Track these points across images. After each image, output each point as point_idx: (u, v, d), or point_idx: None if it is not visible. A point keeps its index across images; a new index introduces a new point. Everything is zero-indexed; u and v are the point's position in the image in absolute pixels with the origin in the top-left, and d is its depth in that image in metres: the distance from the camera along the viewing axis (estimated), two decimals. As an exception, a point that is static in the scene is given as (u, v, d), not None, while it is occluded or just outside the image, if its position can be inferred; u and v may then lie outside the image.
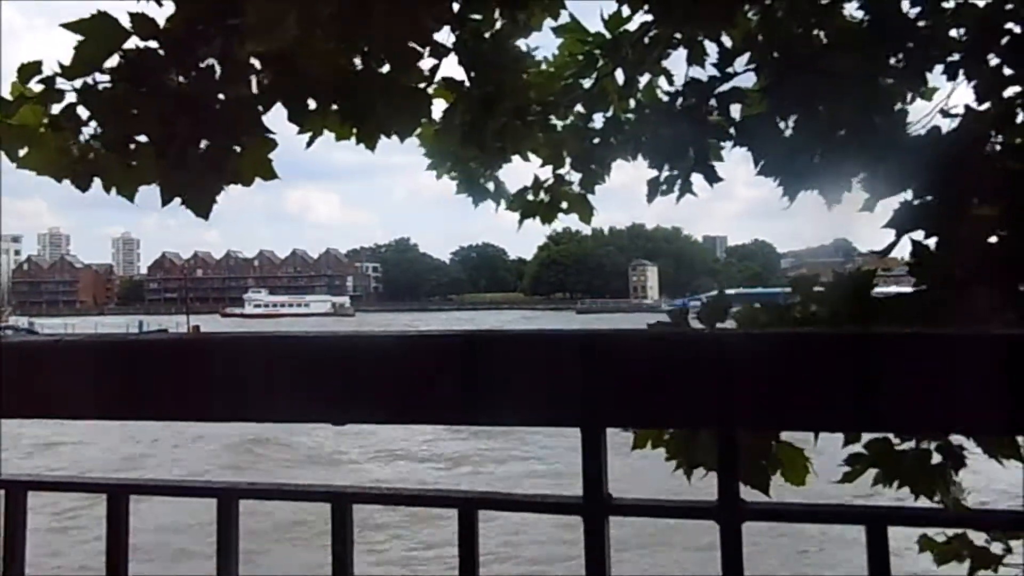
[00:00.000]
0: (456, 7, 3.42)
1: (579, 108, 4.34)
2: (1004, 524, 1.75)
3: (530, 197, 4.56)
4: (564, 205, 4.57)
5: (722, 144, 3.67)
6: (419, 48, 3.14)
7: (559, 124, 4.32)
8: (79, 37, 2.83)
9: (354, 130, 3.33)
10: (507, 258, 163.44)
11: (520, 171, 4.57)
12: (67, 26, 2.84)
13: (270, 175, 3.16)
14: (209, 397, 1.06)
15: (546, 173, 4.54)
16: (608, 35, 4.09)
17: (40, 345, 1.15)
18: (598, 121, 4.36)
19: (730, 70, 3.45)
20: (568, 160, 4.45)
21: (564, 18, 4.08)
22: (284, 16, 2.69)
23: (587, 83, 4.24)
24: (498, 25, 3.62)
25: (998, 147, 2.76)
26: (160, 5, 3.04)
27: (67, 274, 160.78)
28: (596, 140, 4.34)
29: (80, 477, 1.17)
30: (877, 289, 2.57)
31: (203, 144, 3.07)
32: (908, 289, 2.67)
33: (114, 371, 1.10)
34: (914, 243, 2.57)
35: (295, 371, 1.02)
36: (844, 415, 0.89)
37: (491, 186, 4.49)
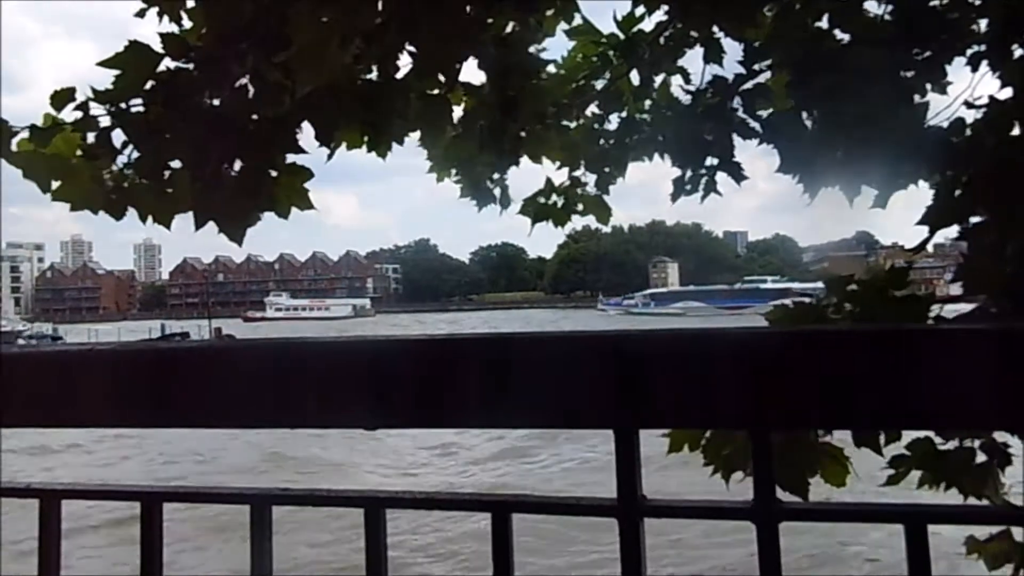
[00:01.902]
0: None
1: (593, 109, 4.31)
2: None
3: (542, 200, 4.53)
4: (580, 207, 4.54)
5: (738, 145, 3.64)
6: (461, 55, 3.11)
7: (572, 126, 4.30)
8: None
9: (365, 139, 3.33)
10: (527, 257, 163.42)
11: (528, 173, 4.53)
12: (104, 63, 2.85)
13: (306, 205, 3.15)
14: (239, 403, 1.06)
15: (559, 176, 4.50)
16: (622, 36, 4.06)
17: (73, 354, 1.16)
18: (613, 122, 4.33)
19: (756, 67, 3.43)
20: (583, 162, 4.41)
21: (576, 20, 4.06)
22: (329, 39, 2.63)
23: (599, 84, 4.22)
24: (508, 29, 3.60)
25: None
26: (179, 25, 3.04)
27: (89, 281, 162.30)
28: (611, 141, 4.31)
29: (114, 485, 1.18)
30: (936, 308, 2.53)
31: (237, 166, 3.05)
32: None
33: (144, 378, 1.10)
34: (965, 256, 2.53)
35: (325, 376, 1.02)
36: (879, 412, 0.87)
37: (496, 190, 4.42)
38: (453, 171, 4.27)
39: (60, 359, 1.18)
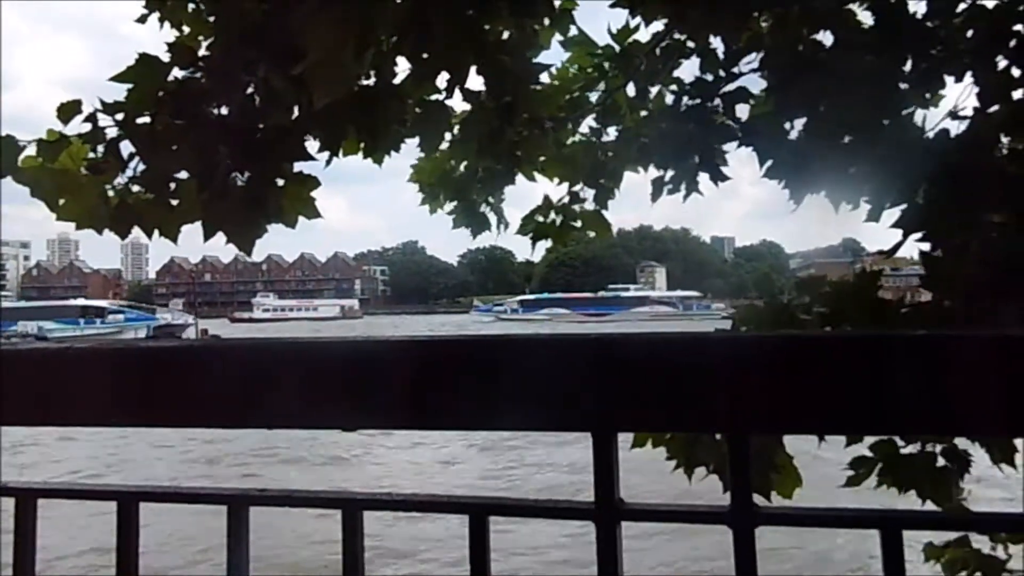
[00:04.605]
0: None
1: (591, 122, 4.31)
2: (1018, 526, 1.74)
3: (540, 219, 4.51)
4: (579, 223, 4.52)
5: (725, 148, 3.64)
6: (472, 59, 3.08)
7: (569, 140, 4.29)
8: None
9: (361, 145, 3.32)
10: (515, 260, 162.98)
11: (523, 192, 4.52)
12: (116, 78, 2.85)
13: (313, 214, 3.13)
14: (219, 403, 1.06)
15: (557, 192, 4.49)
16: (617, 47, 4.06)
17: (51, 352, 1.15)
18: (610, 134, 4.33)
19: (735, 70, 3.43)
20: (581, 176, 4.40)
21: (571, 31, 4.06)
22: (345, 50, 2.59)
23: (594, 96, 4.21)
24: (505, 35, 3.59)
25: (1005, 151, 2.74)
26: (180, 31, 3.02)
27: (76, 279, 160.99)
28: (609, 154, 4.31)
29: (90, 485, 1.17)
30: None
31: (245, 175, 3.03)
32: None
33: (124, 377, 1.10)
34: (923, 254, 2.56)
35: (306, 376, 1.02)
36: (858, 417, 0.88)
37: (492, 214, 4.43)
38: (444, 199, 4.28)
39: (40, 358, 1.17)
